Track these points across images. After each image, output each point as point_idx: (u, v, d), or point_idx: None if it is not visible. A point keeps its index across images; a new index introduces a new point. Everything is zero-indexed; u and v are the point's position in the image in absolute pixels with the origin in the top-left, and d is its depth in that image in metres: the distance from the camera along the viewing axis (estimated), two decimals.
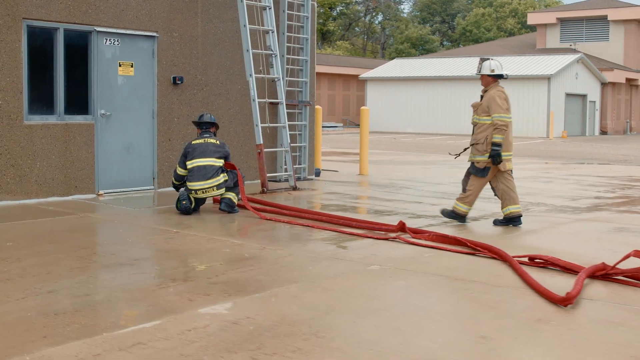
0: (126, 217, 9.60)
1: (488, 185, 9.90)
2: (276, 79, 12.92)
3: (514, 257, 7.15)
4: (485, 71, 9.58)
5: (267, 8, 12.80)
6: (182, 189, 9.94)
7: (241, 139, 13.45)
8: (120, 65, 11.69)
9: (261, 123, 12.39)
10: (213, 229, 8.96)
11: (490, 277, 6.57)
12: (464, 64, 44.86)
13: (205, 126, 10.34)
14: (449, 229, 9.13)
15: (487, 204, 11.29)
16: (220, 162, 10.04)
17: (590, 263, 7.06)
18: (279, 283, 6.22)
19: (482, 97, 9.62)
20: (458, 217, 9.69)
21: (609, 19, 48.89)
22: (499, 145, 9.25)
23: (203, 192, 9.87)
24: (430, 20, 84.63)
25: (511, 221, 9.52)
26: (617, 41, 49.14)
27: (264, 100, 12.77)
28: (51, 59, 10.98)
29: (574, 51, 46.93)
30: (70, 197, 11.13)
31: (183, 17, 12.46)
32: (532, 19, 53.07)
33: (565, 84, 42.18)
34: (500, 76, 9.59)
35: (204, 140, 10.13)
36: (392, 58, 67.09)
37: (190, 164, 9.98)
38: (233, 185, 10.11)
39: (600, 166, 21.61)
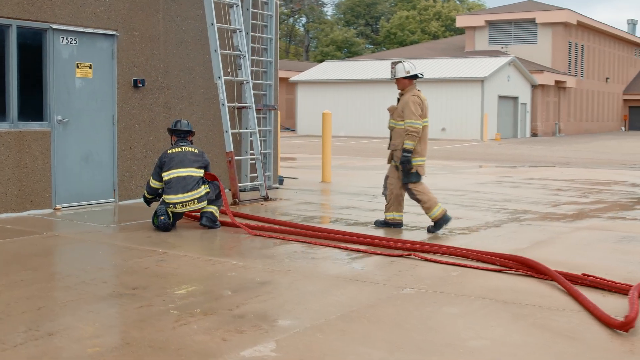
0: (98, 235, 8.59)
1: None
2: (244, 82, 12.05)
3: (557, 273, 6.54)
4: (401, 74, 9.28)
5: (235, 5, 11.93)
6: (158, 204, 8.99)
7: (205, 146, 12.50)
8: (78, 67, 10.62)
9: (230, 129, 11.50)
10: (204, 248, 8.06)
11: (540, 299, 5.92)
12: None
13: (182, 134, 9.41)
14: (463, 240, 8.47)
15: (475, 213, 10.71)
16: (200, 173, 9.15)
17: (627, 279, 6.56)
18: (314, 314, 5.41)
19: (398, 100, 9.36)
20: (444, 220, 9.24)
21: (536, 21, 49.58)
22: (409, 151, 8.97)
23: (182, 206, 8.95)
24: (355, 22, 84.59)
25: (390, 225, 9.47)
26: (545, 44, 49.89)
27: (233, 104, 11.88)
28: (2, 60, 9.85)
29: (504, 54, 47.39)
30: (25, 213, 10.01)
31: (144, 14, 11.47)
32: (461, 21, 53.41)
33: (497, 87, 42.46)
34: (416, 76, 9.31)
35: (182, 149, 9.21)
36: (319, 61, 66.62)
37: (167, 175, 9.05)
38: (215, 198, 9.23)
39: (552, 169, 21.48)
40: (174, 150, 9.20)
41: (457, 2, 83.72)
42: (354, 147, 33.46)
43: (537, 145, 37.22)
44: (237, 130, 11.93)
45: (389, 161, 9.45)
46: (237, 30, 11.92)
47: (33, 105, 10.21)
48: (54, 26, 10.24)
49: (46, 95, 10.30)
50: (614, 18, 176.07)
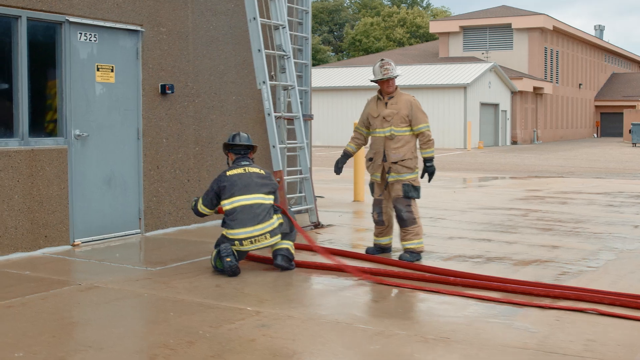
0: (150, 284, 6.65)
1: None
2: (290, 87, 10.22)
3: None
4: (395, 72, 7.92)
5: None
6: (224, 244, 7.07)
7: None
8: (98, 70, 8.68)
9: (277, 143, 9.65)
10: (305, 304, 6.18)
11: None
12: (368, 73, 43.18)
13: (242, 150, 7.55)
14: (603, 279, 6.76)
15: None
16: (270, 199, 7.29)
17: None
18: None
19: (386, 104, 7.92)
20: (418, 257, 7.89)
21: (512, 27, 48.55)
22: (433, 159, 7.94)
23: (251, 242, 7.08)
24: (318, 29, 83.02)
25: (385, 250, 8.26)
26: (522, 49, 48.87)
27: (279, 114, 10.02)
28: (9, 60, 7.87)
29: (481, 60, 46.21)
30: (39, 252, 8.03)
31: (171, 6, 9.56)
32: (435, 27, 52.16)
33: (479, 93, 41.20)
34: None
35: (245, 170, 7.34)
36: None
37: (228, 203, 7.17)
38: (289, 231, 7.37)
39: (567, 180, 20.10)
40: (234, 171, 7.34)
41: (421, 9, 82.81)
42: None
43: (524, 154, 35.95)
44: (285, 145, 10.07)
45: (383, 177, 7.97)
46: (280, 27, 10.09)
47: (46, 116, 8.26)
48: (71, 19, 8.30)
49: (62, 105, 8.34)
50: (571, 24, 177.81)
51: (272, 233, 7.13)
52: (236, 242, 7.07)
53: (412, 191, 7.85)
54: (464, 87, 39.52)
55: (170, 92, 9.41)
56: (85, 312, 5.79)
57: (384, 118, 7.92)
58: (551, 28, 49.21)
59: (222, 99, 10.38)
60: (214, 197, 7.35)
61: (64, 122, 8.34)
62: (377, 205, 8.17)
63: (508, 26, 48.86)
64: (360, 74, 43.77)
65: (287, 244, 7.27)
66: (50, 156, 8.14)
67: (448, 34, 51.04)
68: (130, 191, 9.11)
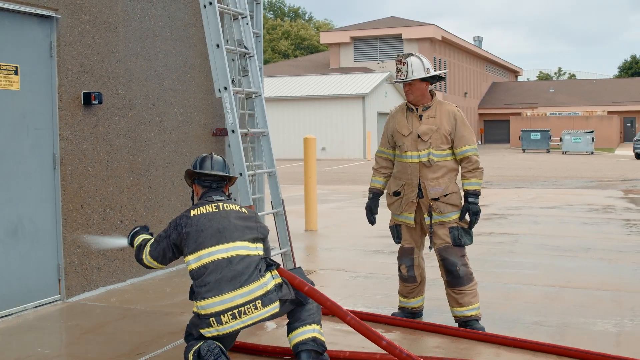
0: None
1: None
2: (255, 95, 7.83)
3: None
4: (419, 73, 5.69)
5: None
6: (206, 342, 4.55)
7: (181, 196, 8.12)
8: None
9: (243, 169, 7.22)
10: None
11: None
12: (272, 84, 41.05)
13: (215, 182, 5.09)
14: None
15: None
16: (257, 250, 4.81)
17: None
18: None
19: (420, 117, 5.76)
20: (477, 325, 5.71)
21: (403, 37, 47.70)
22: (478, 195, 5.65)
23: (234, 317, 4.56)
24: None
25: (416, 315, 6.08)
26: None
27: (245, 130, 7.57)
28: None
29: (370, 70, 45.01)
30: None
31: None
32: (325, 38, 50.69)
33: (377, 104, 39.86)
34: (436, 78, 5.84)
35: (219, 207, 4.87)
36: None
37: (195, 260, 4.69)
38: (299, 301, 4.89)
39: (500, 191, 18.64)
40: (203, 209, 4.82)
41: (304, 22, 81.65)
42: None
43: None
44: (254, 171, 7.61)
45: (417, 218, 5.80)
46: (240, 16, 7.70)
47: None
48: None
49: None
50: None
51: (266, 300, 4.62)
52: (212, 320, 4.56)
53: (464, 236, 5.69)
54: (362, 97, 38.03)
55: (96, 102, 6.83)
56: None
57: (418, 137, 5.68)
58: (440, 38, 48.73)
59: (161, 111, 7.86)
60: (170, 248, 4.84)
61: None
62: (407, 255, 5.94)
63: (399, 37, 47.97)
64: None
65: (312, 331, 4.79)
66: None
67: (339, 44, 49.63)
68: (44, 243, 6.44)
